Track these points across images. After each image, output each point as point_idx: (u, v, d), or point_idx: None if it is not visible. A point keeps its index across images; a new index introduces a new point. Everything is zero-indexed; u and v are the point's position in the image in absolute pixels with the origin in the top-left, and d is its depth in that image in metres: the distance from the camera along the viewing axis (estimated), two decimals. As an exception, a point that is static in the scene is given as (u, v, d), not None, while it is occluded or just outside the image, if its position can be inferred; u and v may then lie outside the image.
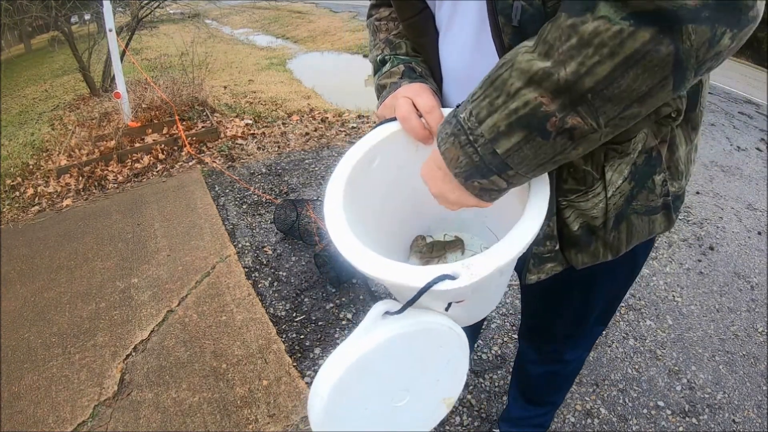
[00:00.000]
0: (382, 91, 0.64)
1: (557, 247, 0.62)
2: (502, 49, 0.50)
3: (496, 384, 1.50)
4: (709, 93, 5.36)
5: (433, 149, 0.50)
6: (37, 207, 2.65)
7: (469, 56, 0.57)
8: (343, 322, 1.74)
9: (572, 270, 0.66)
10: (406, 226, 0.66)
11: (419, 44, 0.65)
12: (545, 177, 0.50)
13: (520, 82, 0.40)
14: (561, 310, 0.83)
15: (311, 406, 0.47)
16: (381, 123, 0.59)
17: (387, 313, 0.47)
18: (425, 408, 0.57)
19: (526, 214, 0.47)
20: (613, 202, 0.58)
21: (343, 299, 1.85)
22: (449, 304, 0.49)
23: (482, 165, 0.44)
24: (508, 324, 1.73)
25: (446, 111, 0.57)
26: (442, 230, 0.71)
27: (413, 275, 0.44)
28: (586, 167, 0.56)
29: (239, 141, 3.32)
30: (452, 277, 0.43)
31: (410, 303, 0.45)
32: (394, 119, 0.58)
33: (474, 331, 1.27)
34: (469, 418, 1.40)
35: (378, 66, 0.67)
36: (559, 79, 0.37)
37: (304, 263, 2.06)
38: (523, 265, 0.65)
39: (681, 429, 1.39)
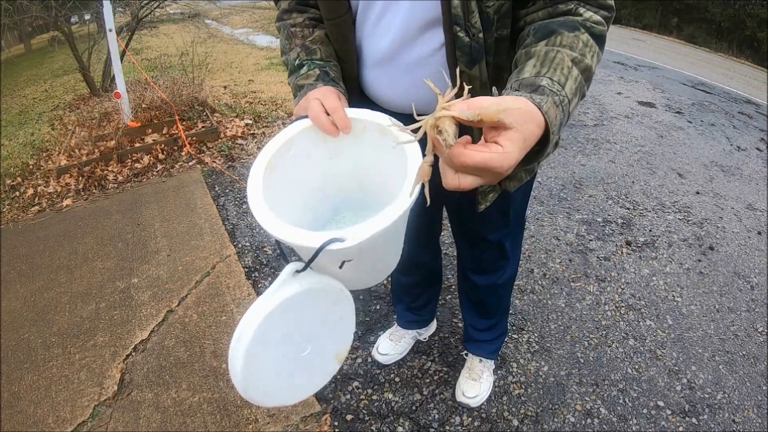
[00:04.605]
0: (299, 90, 0.76)
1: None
2: (455, 68, 0.69)
3: (497, 384, 1.50)
4: (709, 93, 5.37)
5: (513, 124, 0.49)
6: (37, 207, 2.65)
7: (396, 48, 0.75)
8: (343, 322, 1.74)
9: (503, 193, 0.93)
10: (314, 203, 0.77)
11: (343, 38, 0.79)
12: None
13: (569, 61, 0.58)
14: (489, 219, 1.06)
15: (234, 349, 0.55)
16: (297, 119, 0.71)
17: (296, 272, 0.58)
18: (323, 360, 0.69)
19: (398, 197, 0.57)
20: None
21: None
22: (342, 263, 0.59)
23: (564, 120, 0.55)
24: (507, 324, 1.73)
25: (348, 109, 0.68)
26: (347, 208, 0.83)
27: (311, 238, 0.54)
28: None
29: (239, 141, 3.32)
30: (341, 240, 0.53)
31: (311, 260, 0.54)
32: (306, 117, 0.69)
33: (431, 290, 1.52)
34: (469, 419, 1.41)
35: (295, 69, 0.79)
36: (587, 64, 0.59)
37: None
38: (469, 202, 0.90)
39: (681, 429, 1.40)
